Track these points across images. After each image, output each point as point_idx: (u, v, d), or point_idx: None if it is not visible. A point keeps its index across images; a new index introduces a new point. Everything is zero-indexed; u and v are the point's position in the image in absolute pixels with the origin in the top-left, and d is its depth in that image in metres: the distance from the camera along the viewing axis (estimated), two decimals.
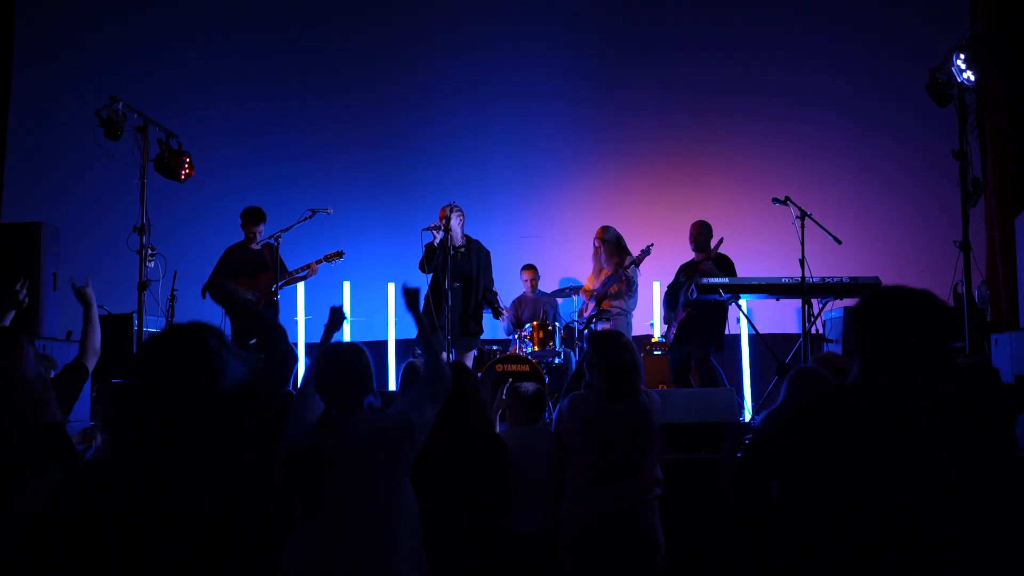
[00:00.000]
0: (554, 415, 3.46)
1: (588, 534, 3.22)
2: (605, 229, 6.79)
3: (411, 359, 3.99)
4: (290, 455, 2.54)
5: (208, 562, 2.37)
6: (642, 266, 6.69)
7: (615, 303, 6.66)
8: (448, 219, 6.10)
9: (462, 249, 6.21)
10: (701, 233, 6.44)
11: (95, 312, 3.47)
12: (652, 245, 6.52)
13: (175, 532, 2.37)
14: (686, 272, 6.53)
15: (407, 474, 2.60)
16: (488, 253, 6.38)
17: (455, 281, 6.08)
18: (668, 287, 6.68)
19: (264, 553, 2.55)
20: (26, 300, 3.57)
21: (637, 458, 3.26)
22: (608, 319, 6.63)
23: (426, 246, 6.16)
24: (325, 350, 2.68)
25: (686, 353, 6.37)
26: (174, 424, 2.38)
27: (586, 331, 6.76)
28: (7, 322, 3.52)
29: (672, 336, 6.46)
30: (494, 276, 6.45)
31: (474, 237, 6.37)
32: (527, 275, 7.46)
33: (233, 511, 2.42)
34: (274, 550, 2.68)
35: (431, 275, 6.12)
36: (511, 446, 3.43)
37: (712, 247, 6.29)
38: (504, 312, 7.37)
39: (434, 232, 6.09)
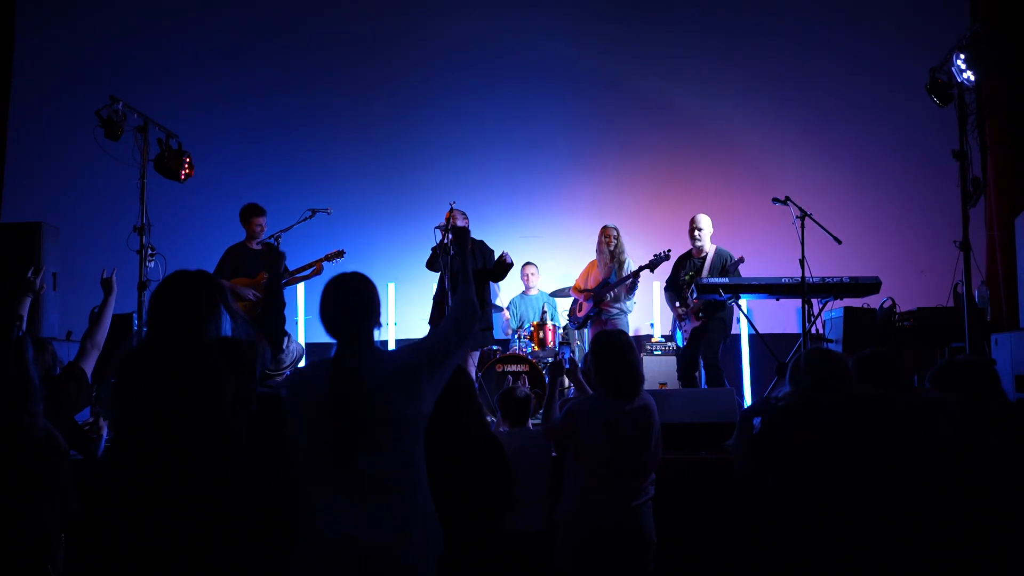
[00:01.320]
0: (555, 418, 3.45)
1: (595, 534, 3.23)
2: (613, 228, 6.79)
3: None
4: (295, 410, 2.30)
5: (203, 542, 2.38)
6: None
7: (615, 304, 6.65)
8: (453, 219, 6.15)
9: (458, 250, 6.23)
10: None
11: (112, 301, 3.52)
12: (669, 251, 6.50)
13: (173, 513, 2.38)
14: (686, 269, 6.50)
15: (425, 424, 2.34)
16: (492, 252, 6.44)
17: (454, 281, 6.09)
18: (668, 281, 6.67)
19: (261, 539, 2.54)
20: (42, 286, 3.59)
21: (646, 457, 3.28)
22: (606, 319, 6.63)
23: (432, 249, 6.20)
24: (330, 279, 2.44)
25: (694, 353, 6.37)
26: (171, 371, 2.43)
27: (582, 330, 6.76)
28: (24, 310, 3.54)
29: (685, 335, 6.44)
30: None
31: (476, 238, 6.40)
32: (527, 273, 7.47)
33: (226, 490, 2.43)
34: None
35: (439, 273, 6.18)
36: (508, 448, 3.44)
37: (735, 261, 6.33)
38: (505, 314, 7.39)
39: (442, 231, 6.13)
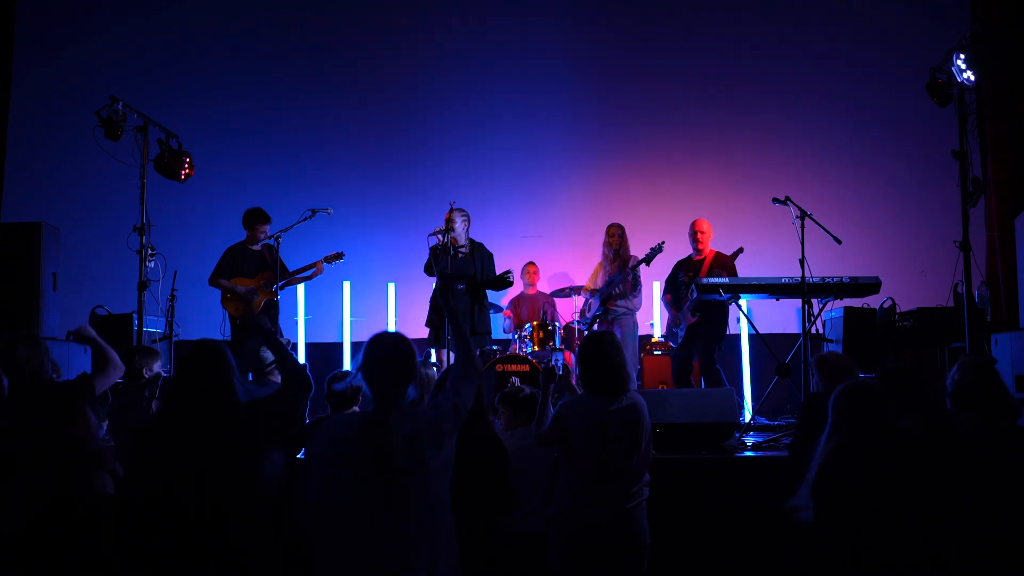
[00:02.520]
0: (547, 421, 3.45)
1: (585, 535, 3.22)
2: (617, 226, 6.80)
3: (337, 371, 4.02)
4: (322, 457, 2.50)
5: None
6: (642, 266, 6.68)
7: (620, 302, 6.65)
8: (452, 220, 6.14)
9: (463, 249, 6.24)
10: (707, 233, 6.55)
11: (101, 345, 3.60)
12: (663, 243, 6.49)
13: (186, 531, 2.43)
14: (685, 270, 6.54)
15: (450, 470, 2.57)
16: (491, 255, 6.41)
17: (459, 282, 6.11)
18: (667, 283, 6.70)
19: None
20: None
21: (636, 456, 3.27)
22: (612, 319, 6.64)
23: (431, 249, 6.18)
24: (372, 338, 2.66)
25: (688, 353, 6.40)
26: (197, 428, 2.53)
27: (588, 331, 6.76)
28: None
29: (681, 337, 6.47)
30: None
31: (476, 240, 6.40)
32: (527, 272, 7.47)
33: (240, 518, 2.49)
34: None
35: (436, 278, 6.15)
36: (508, 448, 3.45)
37: (731, 256, 6.33)
38: (505, 314, 7.38)
39: (438, 236, 6.12)
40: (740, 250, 6.35)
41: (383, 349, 2.59)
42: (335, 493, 2.44)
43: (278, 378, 3.32)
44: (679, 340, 6.50)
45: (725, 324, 6.43)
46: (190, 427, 2.59)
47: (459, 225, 6.19)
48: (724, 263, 6.41)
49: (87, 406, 3.17)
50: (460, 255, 6.19)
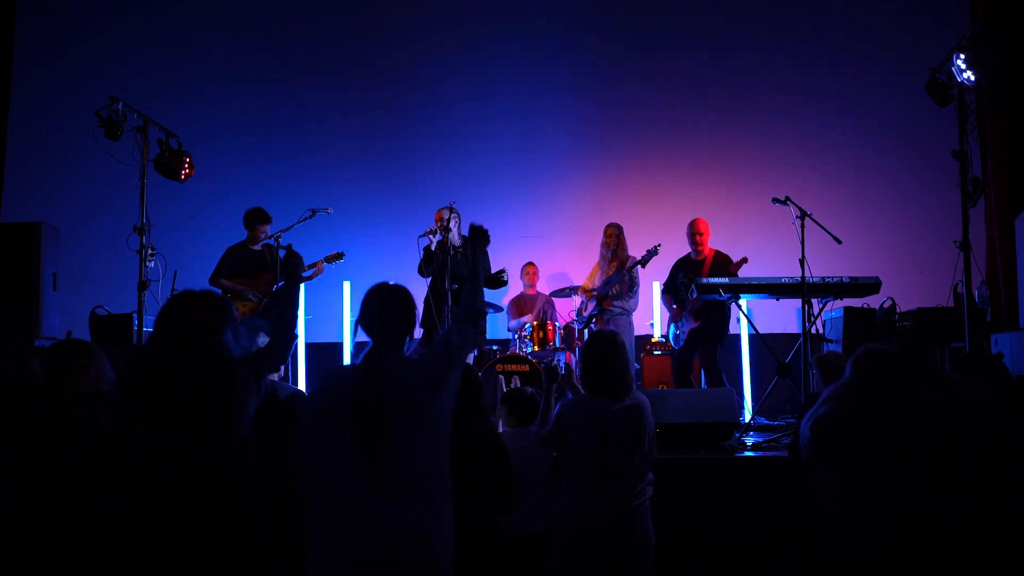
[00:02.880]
0: (550, 422, 3.45)
1: (586, 535, 3.22)
2: (615, 226, 6.80)
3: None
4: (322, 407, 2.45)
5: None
6: (639, 267, 6.68)
7: (617, 303, 6.66)
8: (446, 220, 6.12)
9: (460, 249, 6.23)
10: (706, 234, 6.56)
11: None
12: (659, 245, 6.50)
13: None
14: (684, 271, 6.54)
15: (450, 419, 2.52)
16: (486, 252, 6.37)
17: (454, 283, 6.10)
18: (666, 285, 6.70)
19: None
20: None
21: (638, 456, 3.27)
22: (608, 319, 6.64)
23: (424, 250, 6.18)
24: (372, 288, 2.67)
25: (690, 354, 6.40)
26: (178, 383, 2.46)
27: (586, 330, 6.77)
28: None
29: (683, 337, 6.45)
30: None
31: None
32: (527, 272, 7.47)
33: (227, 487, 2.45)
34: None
35: (430, 279, 6.14)
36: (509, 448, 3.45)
37: (735, 264, 6.32)
38: (504, 308, 7.40)
39: (431, 236, 6.11)
40: (744, 260, 6.30)
41: (379, 297, 2.60)
42: (326, 446, 2.41)
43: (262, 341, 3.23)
44: (680, 340, 6.50)
45: (727, 324, 6.44)
46: (174, 382, 2.50)
47: (453, 225, 6.19)
48: (724, 263, 6.41)
49: None
50: (458, 257, 6.17)
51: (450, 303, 5.98)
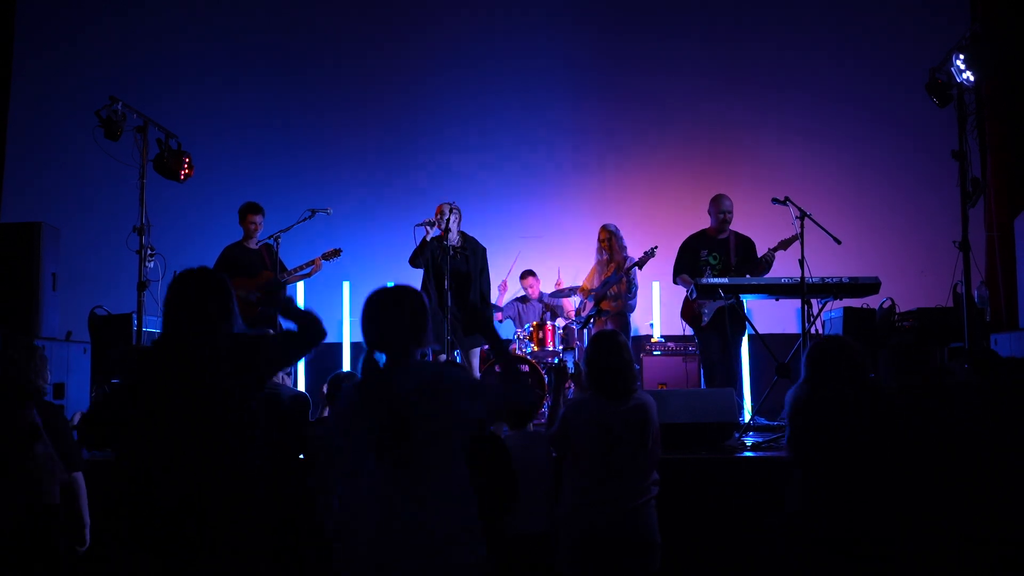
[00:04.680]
0: (555, 422, 3.45)
1: (590, 535, 3.22)
2: (606, 230, 6.78)
3: (338, 372, 3.99)
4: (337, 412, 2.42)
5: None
6: (636, 268, 6.64)
7: (615, 304, 6.65)
8: (446, 218, 6.10)
9: (460, 249, 6.20)
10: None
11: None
12: (656, 248, 6.38)
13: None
14: (708, 248, 6.19)
15: (466, 444, 2.45)
16: (485, 250, 6.36)
17: (452, 281, 6.06)
18: (680, 265, 6.29)
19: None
20: None
21: (642, 457, 3.27)
22: (606, 320, 6.62)
23: (423, 240, 6.13)
24: (372, 292, 2.55)
25: (720, 345, 6.09)
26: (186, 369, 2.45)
27: (584, 331, 6.76)
28: None
29: (708, 316, 6.13)
30: (491, 276, 6.46)
31: (469, 234, 6.34)
32: (526, 283, 7.46)
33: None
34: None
35: (422, 271, 6.12)
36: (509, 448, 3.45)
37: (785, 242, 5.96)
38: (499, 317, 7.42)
39: (427, 228, 6.07)
40: (795, 237, 5.70)
41: (380, 303, 2.49)
42: (348, 458, 2.40)
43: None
44: (706, 318, 6.18)
45: (743, 319, 6.16)
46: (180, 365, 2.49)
47: (453, 223, 6.13)
48: (748, 246, 6.12)
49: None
50: (457, 256, 6.14)
51: (450, 303, 5.95)
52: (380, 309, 2.49)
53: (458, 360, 6.05)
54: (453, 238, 6.15)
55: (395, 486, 2.33)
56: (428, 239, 6.09)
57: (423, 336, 2.48)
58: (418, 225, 6.04)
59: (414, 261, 6.19)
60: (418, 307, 2.50)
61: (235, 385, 2.48)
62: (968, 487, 2.87)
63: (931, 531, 2.86)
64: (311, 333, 2.65)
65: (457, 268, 6.11)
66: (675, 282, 6.39)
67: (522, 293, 7.54)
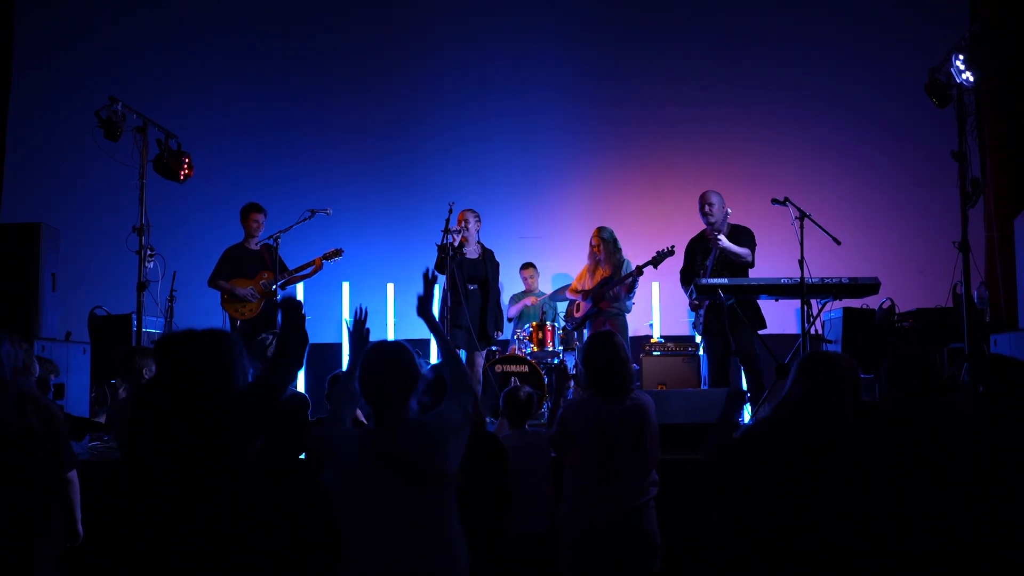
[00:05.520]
0: (554, 424, 3.46)
1: (590, 534, 3.22)
2: (603, 229, 6.74)
3: (338, 372, 4.00)
4: (342, 471, 2.50)
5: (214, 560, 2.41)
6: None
7: (614, 304, 6.63)
8: (467, 222, 6.32)
9: (475, 252, 6.39)
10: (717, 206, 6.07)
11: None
12: (674, 247, 6.24)
13: (184, 529, 2.41)
14: (700, 251, 6.15)
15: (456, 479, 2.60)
16: (498, 265, 6.58)
17: (472, 283, 6.33)
18: (683, 272, 6.26)
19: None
20: None
21: (640, 457, 3.27)
22: (604, 319, 6.60)
23: (439, 247, 6.14)
24: (369, 348, 2.65)
25: (725, 344, 5.92)
26: (187, 422, 2.44)
27: (582, 331, 6.75)
28: None
29: (700, 326, 6.06)
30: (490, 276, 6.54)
31: (488, 247, 6.58)
32: (527, 274, 7.47)
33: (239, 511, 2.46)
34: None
35: (445, 276, 6.17)
36: (507, 448, 3.45)
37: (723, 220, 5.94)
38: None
39: (454, 235, 6.14)
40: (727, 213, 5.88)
41: (378, 361, 2.58)
42: (353, 512, 2.49)
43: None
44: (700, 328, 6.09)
45: (759, 314, 6.06)
46: (181, 419, 2.51)
47: (472, 225, 6.35)
48: (745, 235, 6.05)
49: None
50: (474, 259, 6.37)
51: (468, 302, 6.19)
52: (383, 367, 2.58)
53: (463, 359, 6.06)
54: (471, 240, 6.28)
55: (401, 532, 2.46)
56: (450, 245, 6.10)
57: (415, 392, 2.62)
58: (445, 232, 6.07)
59: (439, 268, 6.20)
60: (414, 365, 2.61)
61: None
62: (970, 508, 2.82)
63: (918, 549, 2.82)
64: (290, 366, 2.71)
65: (475, 271, 6.35)
66: (686, 292, 6.24)
67: (521, 290, 7.56)
